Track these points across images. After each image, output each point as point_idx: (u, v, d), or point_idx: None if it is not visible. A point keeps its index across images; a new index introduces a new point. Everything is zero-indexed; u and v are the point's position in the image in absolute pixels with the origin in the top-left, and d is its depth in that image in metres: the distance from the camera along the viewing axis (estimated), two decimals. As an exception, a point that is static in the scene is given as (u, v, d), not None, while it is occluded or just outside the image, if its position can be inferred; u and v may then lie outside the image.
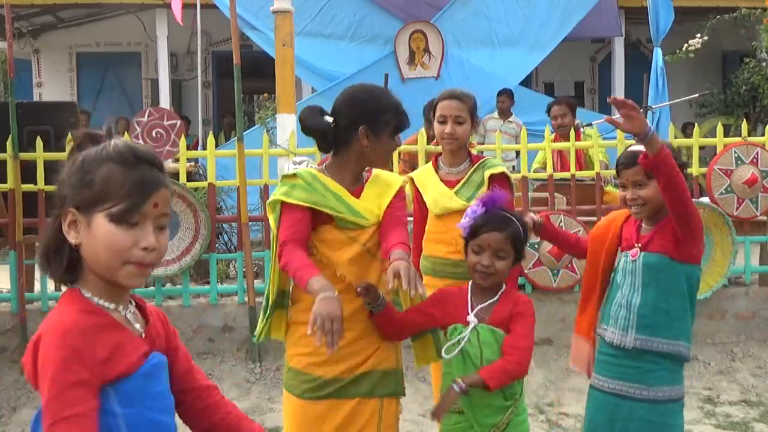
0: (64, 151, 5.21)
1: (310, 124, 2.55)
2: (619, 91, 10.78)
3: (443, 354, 2.51)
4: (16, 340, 5.21)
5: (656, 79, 8.05)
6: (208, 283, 5.47)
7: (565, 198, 5.74)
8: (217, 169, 5.55)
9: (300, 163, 4.76)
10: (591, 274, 2.87)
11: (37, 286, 5.46)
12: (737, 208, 5.49)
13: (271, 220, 2.58)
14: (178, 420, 1.61)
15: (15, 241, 5.19)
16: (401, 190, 2.65)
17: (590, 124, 6.70)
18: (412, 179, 3.48)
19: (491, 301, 2.54)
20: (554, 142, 5.97)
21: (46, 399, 1.37)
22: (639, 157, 2.48)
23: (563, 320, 5.31)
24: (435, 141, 3.44)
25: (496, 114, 8.46)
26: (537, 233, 2.90)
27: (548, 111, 6.50)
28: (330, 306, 2.20)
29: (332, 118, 2.56)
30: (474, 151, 3.57)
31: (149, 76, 11.81)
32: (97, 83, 12.04)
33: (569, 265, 5.30)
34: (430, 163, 3.50)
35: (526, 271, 5.28)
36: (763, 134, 5.85)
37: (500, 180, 3.27)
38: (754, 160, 5.50)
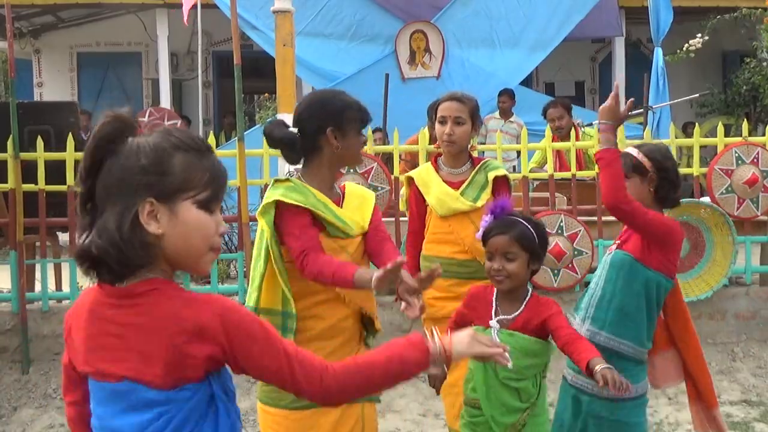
0: (64, 150, 5.25)
1: (276, 136, 2.57)
2: (619, 91, 10.79)
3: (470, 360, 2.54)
4: (16, 340, 5.21)
5: (657, 79, 8.05)
6: (209, 283, 5.47)
7: (565, 198, 5.74)
8: (218, 169, 5.54)
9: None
10: None
11: (37, 286, 5.46)
12: (738, 208, 5.49)
13: (264, 222, 2.53)
14: None
15: (15, 241, 5.19)
16: (377, 206, 2.72)
17: (591, 124, 6.70)
18: (411, 178, 3.47)
19: (515, 314, 2.58)
20: (553, 142, 5.97)
21: (282, 345, 1.50)
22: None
23: (564, 320, 5.31)
24: (437, 143, 3.44)
25: (497, 114, 8.46)
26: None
27: (544, 113, 6.48)
28: (388, 278, 2.24)
29: (296, 129, 2.58)
30: (474, 153, 3.58)
31: (150, 76, 11.81)
32: (97, 83, 12.04)
33: (570, 265, 5.30)
34: (429, 163, 3.50)
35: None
36: (763, 134, 5.85)
37: (502, 182, 3.31)
38: (755, 160, 5.50)
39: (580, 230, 5.17)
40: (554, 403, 2.97)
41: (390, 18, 9.32)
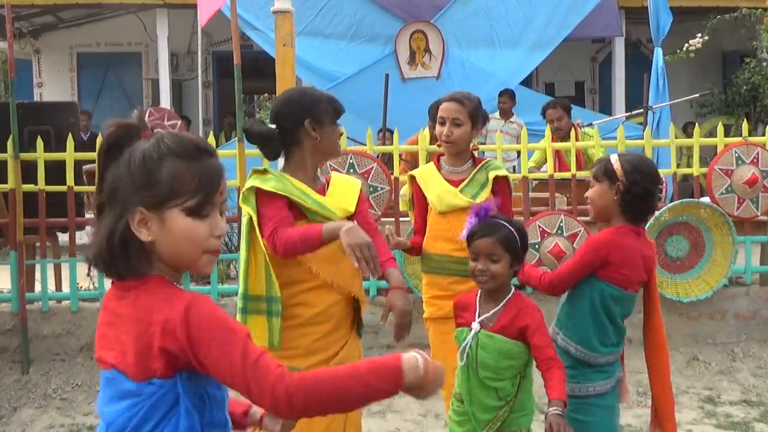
0: (64, 151, 5.25)
1: (255, 131, 2.72)
2: (619, 91, 10.80)
3: (457, 360, 2.65)
4: (16, 340, 5.21)
5: (656, 79, 8.04)
6: (209, 283, 5.47)
7: (565, 198, 5.74)
8: (218, 169, 5.54)
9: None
10: None
11: (37, 286, 5.46)
12: (738, 208, 5.49)
13: (247, 209, 2.64)
14: None
15: (15, 241, 5.19)
16: (362, 193, 2.82)
17: (590, 124, 6.71)
18: (413, 177, 3.51)
19: (495, 310, 2.65)
20: (552, 142, 5.97)
21: (241, 345, 1.43)
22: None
23: (564, 320, 5.31)
24: (438, 143, 3.47)
25: (497, 114, 8.45)
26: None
27: (543, 114, 6.48)
28: (356, 234, 2.35)
29: (274, 125, 2.71)
30: (475, 154, 3.59)
31: (150, 76, 11.81)
32: (97, 83, 12.04)
33: (570, 265, 5.30)
34: (432, 162, 3.53)
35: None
36: (763, 134, 5.85)
37: (502, 182, 3.34)
38: (755, 160, 5.50)
39: (580, 230, 5.17)
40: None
41: (390, 18, 9.32)
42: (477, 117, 3.36)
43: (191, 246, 1.50)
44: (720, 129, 5.78)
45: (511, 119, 8.44)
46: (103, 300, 1.58)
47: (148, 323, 1.44)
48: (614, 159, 2.80)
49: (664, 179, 6.33)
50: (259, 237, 2.62)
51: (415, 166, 5.75)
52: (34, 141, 5.28)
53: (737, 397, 4.89)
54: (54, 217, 5.36)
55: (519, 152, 6.04)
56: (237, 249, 5.76)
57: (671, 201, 5.73)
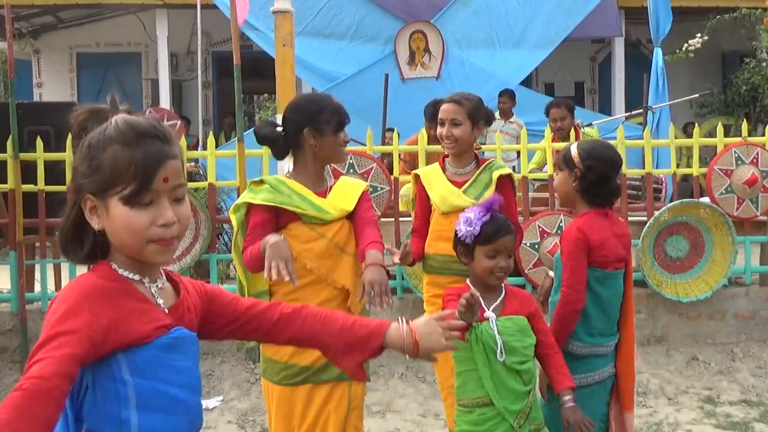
0: (64, 151, 5.24)
1: (262, 133, 2.86)
2: (619, 91, 10.80)
3: (498, 357, 2.56)
4: (16, 340, 5.21)
5: (656, 79, 8.05)
6: (208, 282, 5.46)
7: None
8: (218, 169, 5.55)
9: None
10: None
11: (37, 286, 5.46)
12: (737, 208, 5.49)
13: (233, 218, 2.83)
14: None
15: (15, 241, 5.19)
16: (365, 193, 2.89)
17: (590, 124, 6.71)
18: (417, 176, 3.54)
19: (501, 298, 2.67)
20: (553, 143, 5.97)
21: (37, 343, 1.35)
22: None
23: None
24: (442, 145, 3.49)
25: (497, 114, 8.45)
26: None
27: (547, 112, 6.49)
28: (277, 248, 2.45)
29: (281, 128, 2.83)
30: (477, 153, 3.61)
31: (149, 77, 11.82)
32: (97, 83, 12.04)
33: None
34: (437, 163, 3.54)
35: (526, 271, 5.28)
36: (763, 134, 5.85)
37: (506, 181, 3.37)
38: (755, 160, 5.51)
39: (579, 230, 5.16)
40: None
41: (390, 18, 9.32)
42: (476, 116, 3.37)
43: (130, 236, 1.45)
44: (720, 129, 5.77)
45: (511, 119, 8.43)
46: None
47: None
48: (573, 147, 2.88)
49: (664, 179, 6.34)
50: (237, 244, 2.83)
51: (415, 166, 5.76)
52: (34, 141, 5.28)
53: (737, 397, 4.89)
54: (54, 217, 5.36)
55: (519, 152, 6.05)
56: (237, 249, 5.78)
57: (671, 201, 5.73)
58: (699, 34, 8.84)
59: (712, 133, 7.90)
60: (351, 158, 5.26)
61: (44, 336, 1.35)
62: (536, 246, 5.25)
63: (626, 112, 9.02)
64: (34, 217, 5.27)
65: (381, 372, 5.03)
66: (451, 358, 2.77)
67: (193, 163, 6.67)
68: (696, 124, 8.04)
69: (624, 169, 5.60)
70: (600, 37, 11.39)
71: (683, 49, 8.85)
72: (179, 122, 6.00)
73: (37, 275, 5.43)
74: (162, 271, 1.59)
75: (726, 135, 5.80)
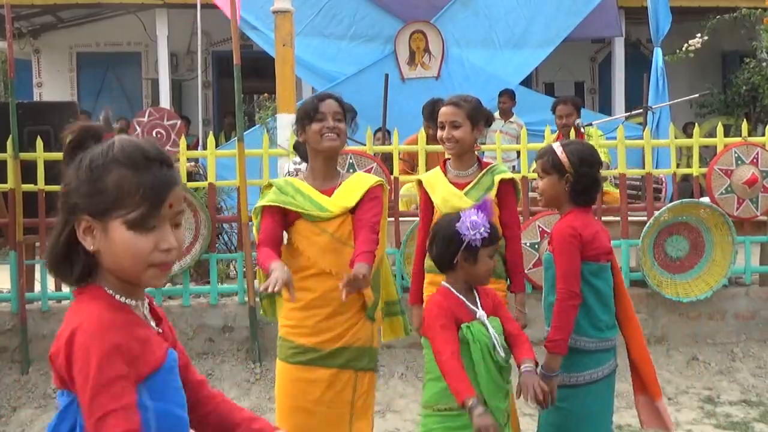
0: (63, 151, 5.22)
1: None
2: (619, 91, 10.80)
3: (500, 354, 2.66)
4: (16, 340, 5.21)
5: (656, 79, 8.05)
6: (208, 283, 5.47)
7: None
8: (218, 169, 5.55)
9: (300, 162, 4.76)
10: None
11: (37, 286, 5.46)
12: (737, 208, 5.49)
13: (256, 225, 3.02)
14: None
15: (15, 241, 5.19)
16: (372, 190, 2.97)
17: (590, 124, 6.71)
18: (420, 181, 3.55)
19: (477, 298, 2.75)
20: (557, 140, 5.97)
21: (90, 394, 1.36)
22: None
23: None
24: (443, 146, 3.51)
25: (497, 114, 8.45)
26: None
27: (553, 109, 6.52)
28: (278, 272, 2.59)
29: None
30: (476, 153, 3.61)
31: (149, 76, 11.81)
32: (97, 83, 12.04)
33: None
34: (438, 167, 3.55)
35: (526, 271, 5.28)
36: (763, 134, 5.85)
37: (508, 185, 3.38)
38: (755, 160, 5.51)
39: (579, 230, 5.16)
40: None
41: (389, 18, 9.32)
42: (476, 117, 3.39)
43: (132, 260, 1.43)
44: (720, 129, 5.77)
45: (511, 119, 8.44)
46: None
47: (59, 334, 1.44)
48: (559, 151, 2.90)
49: (664, 179, 6.34)
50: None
51: (414, 165, 5.76)
52: (34, 141, 5.28)
53: (737, 397, 4.89)
54: (54, 217, 5.35)
55: (519, 152, 6.05)
56: (236, 249, 5.78)
57: (671, 201, 5.73)
58: (699, 34, 8.84)
59: (712, 133, 7.89)
60: (351, 158, 5.26)
61: (93, 388, 1.36)
62: (536, 246, 5.25)
63: (626, 112, 9.01)
64: (34, 217, 5.27)
65: (381, 372, 5.03)
66: None
67: (193, 163, 6.67)
68: (696, 124, 8.04)
69: (624, 169, 5.60)
70: (600, 37, 11.38)
71: (683, 49, 8.84)
72: (179, 122, 6.00)
73: (37, 275, 5.43)
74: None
75: (726, 135, 5.80)
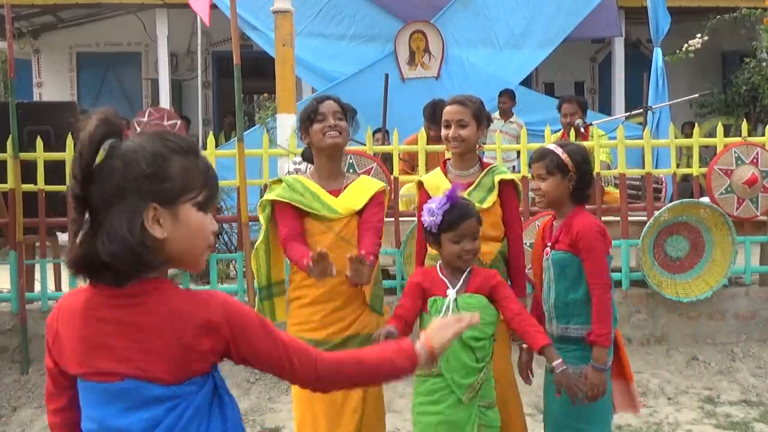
0: (64, 150, 5.24)
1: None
2: (619, 91, 10.80)
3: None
4: (16, 340, 5.21)
5: (656, 79, 8.05)
6: (208, 283, 5.47)
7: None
8: (217, 169, 5.48)
9: (300, 162, 4.77)
10: (538, 281, 3.19)
11: (37, 286, 5.46)
12: (737, 208, 5.49)
13: (262, 217, 3.13)
14: None
15: (15, 241, 5.19)
16: (378, 195, 3.11)
17: (591, 124, 6.71)
18: (420, 182, 3.54)
19: (464, 277, 2.86)
20: (560, 139, 5.99)
21: (275, 335, 1.55)
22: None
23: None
24: (446, 148, 3.52)
25: (497, 114, 8.45)
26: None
27: (559, 108, 6.54)
28: (318, 269, 2.69)
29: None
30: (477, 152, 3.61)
31: (149, 76, 11.81)
32: (97, 83, 12.04)
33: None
34: (439, 168, 3.54)
35: (526, 271, 5.27)
36: (763, 134, 5.85)
37: (508, 186, 3.37)
38: (754, 160, 5.51)
39: (579, 230, 5.17)
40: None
41: (389, 18, 9.33)
42: (481, 117, 3.40)
43: (202, 240, 1.52)
44: (719, 129, 5.78)
45: (511, 119, 8.44)
46: (77, 310, 1.51)
47: (183, 326, 1.45)
48: (560, 152, 2.98)
49: (664, 179, 6.35)
50: (263, 239, 3.15)
51: (414, 165, 5.76)
52: (34, 141, 5.28)
53: (737, 397, 4.89)
54: (53, 217, 5.36)
55: (519, 152, 6.05)
56: (236, 249, 5.77)
57: (671, 201, 5.73)
58: (699, 34, 8.84)
59: (712, 133, 7.89)
60: (351, 158, 5.26)
61: (283, 336, 1.57)
62: (536, 246, 5.24)
63: (626, 112, 9.02)
64: (34, 217, 5.27)
65: (381, 372, 5.03)
66: None
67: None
68: (696, 124, 8.04)
69: (624, 169, 5.61)
70: (600, 37, 11.38)
71: (683, 49, 8.85)
72: (179, 122, 6.00)
73: (37, 275, 5.43)
74: None
75: (726, 135, 5.80)
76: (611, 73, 11.04)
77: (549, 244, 3.03)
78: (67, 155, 5.25)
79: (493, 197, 3.32)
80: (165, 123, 5.64)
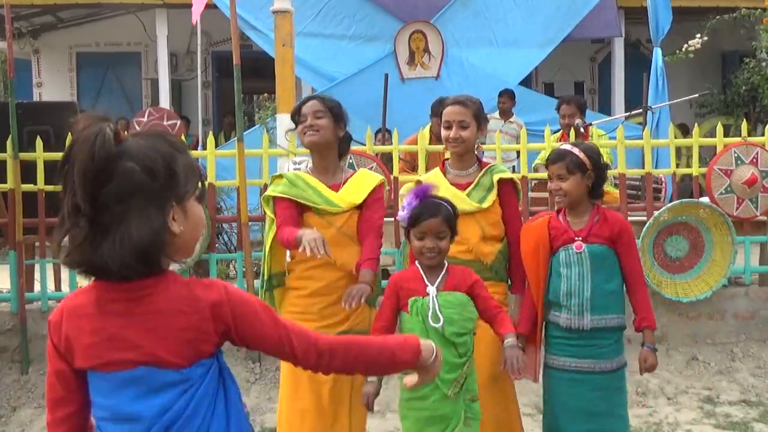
0: (63, 151, 5.23)
1: None
2: (618, 91, 10.80)
3: (431, 323, 2.82)
4: (16, 340, 5.21)
5: (656, 79, 8.05)
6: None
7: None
8: (217, 169, 5.55)
9: (300, 162, 4.78)
10: (535, 280, 3.19)
11: (37, 286, 5.46)
12: (737, 208, 5.49)
13: (268, 211, 3.24)
14: None
15: (15, 241, 5.19)
16: (377, 190, 3.21)
17: (590, 124, 6.71)
18: (419, 182, 3.53)
19: (442, 275, 2.92)
20: (561, 140, 6.00)
21: (275, 317, 1.63)
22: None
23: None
24: (445, 148, 3.54)
25: (496, 114, 8.45)
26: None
27: (557, 109, 6.55)
28: (312, 233, 2.84)
29: None
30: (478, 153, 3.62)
31: (149, 76, 11.82)
32: (97, 83, 12.04)
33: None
34: (437, 168, 3.54)
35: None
36: (762, 134, 5.85)
37: (507, 185, 3.39)
38: (754, 160, 5.51)
39: (579, 230, 5.17)
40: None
41: (389, 18, 9.33)
42: (480, 118, 3.41)
43: (201, 229, 1.63)
44: (719, 129, 5.78)
45: (511, 119, 8.44)
46: (87, 308, 1.53)
47: (192, 311, 1.53)
48: (577, 151, 3.11)
49: (663, 179, 6.34)
50: (270, 230, 3.25)
51: (414, 165, 5.76)
52: (34, 141, 5.29)
53: (736, 397, 4.89)
54: (53, 217, 5.36)
55: (518, 152, 6.05)
56: (236, 249, 5.77)
57: (671, 201, 5.73)
58: (699, 34, 8.84)
59: (712, 133, 7.90)
60: (351, 158, 5.26)
61: (282, 319, 1.65)
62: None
63: (626, 112, 9.02)
64: (33, 217, 5.27)
65: (381, 372, 5.03)
66: None
67: (192, 163, 6.67)
68: (696, 124, 8.04)
69: (624, 169, 5.61)
70: (600, 37, 11.38)
71: (683, 49, 8.85)
72: (179, 122, 6.00)
73: (37, 275, 5.43)
74: None
75: (726, 135, 5.80)
76: (611, 73, 11.04)
77: (578, 238, 3.10)
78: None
79: (492, 196, 3.32)
80: (165, 123, 5.64)
